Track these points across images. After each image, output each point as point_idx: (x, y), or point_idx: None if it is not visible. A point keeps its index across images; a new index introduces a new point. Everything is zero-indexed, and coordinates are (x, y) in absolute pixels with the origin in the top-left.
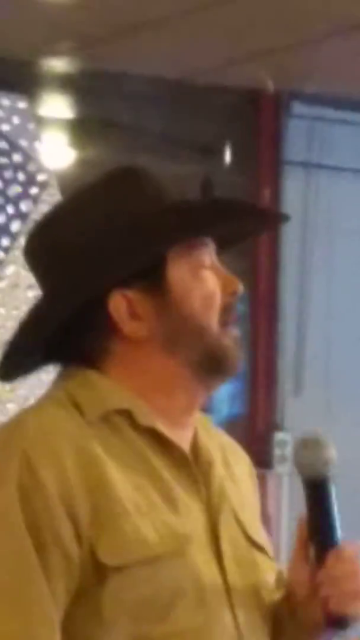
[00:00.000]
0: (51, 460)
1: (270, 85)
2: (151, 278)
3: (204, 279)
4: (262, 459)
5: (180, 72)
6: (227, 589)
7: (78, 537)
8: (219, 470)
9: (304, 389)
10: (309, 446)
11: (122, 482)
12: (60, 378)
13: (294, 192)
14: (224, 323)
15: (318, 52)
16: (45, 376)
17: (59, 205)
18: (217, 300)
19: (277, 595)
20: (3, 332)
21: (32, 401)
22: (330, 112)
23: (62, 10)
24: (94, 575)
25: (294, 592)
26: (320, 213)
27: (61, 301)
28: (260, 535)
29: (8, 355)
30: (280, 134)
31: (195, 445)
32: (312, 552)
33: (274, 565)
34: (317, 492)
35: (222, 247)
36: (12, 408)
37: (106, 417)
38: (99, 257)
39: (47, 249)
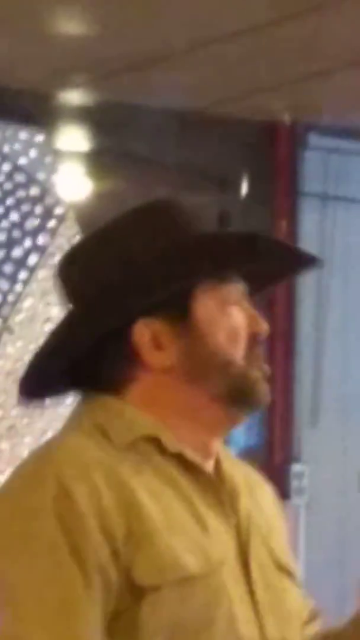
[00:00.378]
0: (84, 484)
1: (286, 117)
2: (177, 309)
3: (230, 314)
4: (278, 490)
5: (196, 104)
6: (257, 614)
7: (116, 558)
8: (245, 497)
9: (321, 420)
10: None
11: (152, 504)
12: (82, 406)
13: (311, 224)
14: (250, 357)
15: (333, 84)
16: (63, 410)
17: (93, 234)
18: (243, 336)
19: (310, 630)
20: (21, 365)
21: (49, 434)
22: (346, 144)
23: (78, 42)
24: (129, 595)
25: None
26: (336, 244)
27: (87, 327)
28: (289, 559)
29: (29, 376)
30: (296, 166)
31: (219, 474)
32: None
33: (301, 592)
34: None
35: (254, 287)
36: (29, 441)
37: (134, 444)
38: (127, 286)
39: (78, 275)
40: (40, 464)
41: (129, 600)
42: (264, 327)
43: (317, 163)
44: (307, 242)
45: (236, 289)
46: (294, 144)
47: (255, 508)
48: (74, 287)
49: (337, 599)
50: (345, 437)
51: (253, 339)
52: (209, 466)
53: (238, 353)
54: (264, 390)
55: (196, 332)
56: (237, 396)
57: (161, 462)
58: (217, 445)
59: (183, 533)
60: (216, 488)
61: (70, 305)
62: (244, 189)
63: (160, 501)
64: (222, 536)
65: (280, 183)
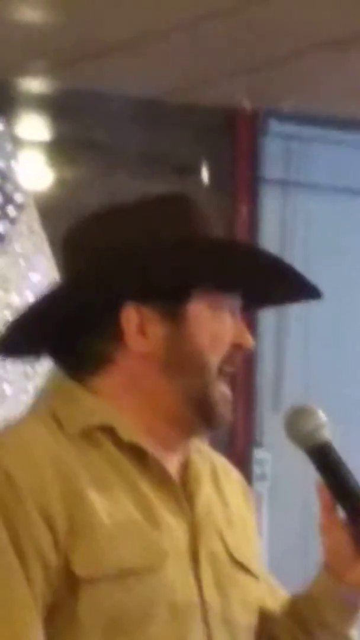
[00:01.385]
0: (29, 474)
1: (246, 104)
2: (171, 302)
3: (220, 321)
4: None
5: (156, 91)
6: (203, 607)
7: (56, 547)
8: (206, 490)
9: (283, 405)
10: (301, 417)
11: (100, 496)
12: (46, 391)
13: (272, 210)
14: (221, 372)
15: (294, 70)
16: (25, 397)
17: (111, 207)
18: (225, 346)
19: (275, 613)
20: None
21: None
22: (307, 130)
23: (38, 29)
24: (68, 586)
25: (331, 565)
26: (297, 230)
27: (79, 296)
28: (247, 554)
29: (10, 330)
30: (257, 152)
31: (185, 467)
32: (341, 513)
33: (258, 585)
34: (326, 457)
35: (248, 303)
36: None
37: (87, 433)
38: (129, 267)
39: (84, 243)
40: None
41: (68, 591)
42: (249, 342)
43: (278, 149)
44: (268, 227)
45: (232, 300)
46: (255, 131)
47: (218, 501)
48: (74, 255)
49: (301, 584)
50: None
51: (234, 351)
52: (174, 460)
53: (215, 360)
54: (224, 412)
55: (183, 328)
56: (199, 406)
57: (115, 453)
58: (183, 443)
59: (127, 526)
60: (171, 481)
61: (67, 273)
62: (205, 175)
63: (108, 493)
64: (173, 529)
65: (241, 169)
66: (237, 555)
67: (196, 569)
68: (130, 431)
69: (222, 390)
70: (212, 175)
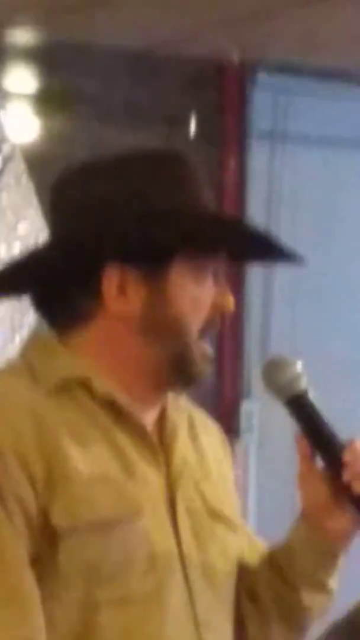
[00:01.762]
0: (6, 427)
1: (234, 56)
2: (153, 265)
3: (202, 285)
4: (229, 428)
5: (144, 43)
6: (182, 557)
7: (36, 498)
8: (183, 442)
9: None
10: (277, 368)
11: (76, 448)
12: (25, 345)
13: (260, 162)
14: (201, 333)
15: (282, 22)
16: (12, 348)
17: (102, 160)
18: (206, 309)
19: (251, 561)
20: None
21: None
22: (295, 82)
23: None
24: (48, 538)
25: (309, 514)
26: (285, 182)
27: (63, 253)
28: (225, 506)
29: None
30: (244, 104)
31: (161, 420)
32: (319, 462)
33: (237, 536)
34: (303, 407)
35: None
36: None
37: (64, 387)
38: (113, 227)
39: (71, 197)
40: None
41: (47, 543)
42: (230, 304)
43: (266, 101)
44: (257, 180)
45: (216, 262)
46: (243, 83)
47: (195, 453)
48: (61, 208)
49: None
50: None
51: (214, 314)
52: (150, 414)
53: (195, 324)
54: (202, 370)
55: (164, 291)
56: (177, 366)
57: (92, 407)
58: (159, 398)
59: (104, 478)
60: (147, 434)
61: (53, 225)
62: (193, 127)
63: (85, 445)
64: (149, 481)
65: (229, 122)
66: (214, 505)
67: (174, 519)
68: (105, 385)
69: (201, 349)
70: (200, 127)
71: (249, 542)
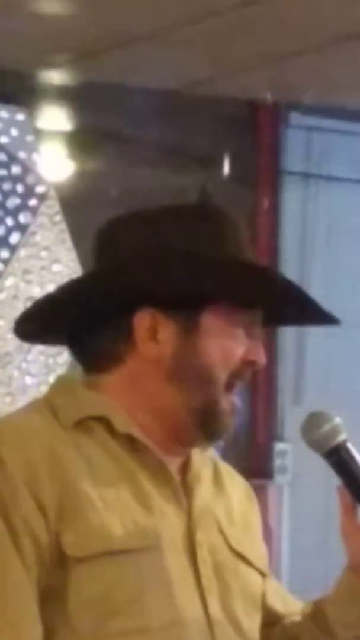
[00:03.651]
0: (20, 456)
1: (268, 96)
2: (186, 313)
3: (234, 336)
4: (262, 469)
5: (178, 83)
6: (201, 591)
7: (47, 528)
8: (206, 488)
9: (304, 399)
10: (315, 422)
11: (92, 480)
12: (50, 386)
13: (293, 202)
14: (229, 386)
15: (315, 62)
16: (46, 388)
17: (150, 209)
18: (236, 361)
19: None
20: (2, 344)
21: None
22: (328, 122)
23: (60, 22)
24: (60, 568)
25: (355, 568)
26: (319, 223)
27: (99, 292)
28: (248, 550)
29: (28, 317)
30: (278, 144)
31: (185, 467)
32: None
33: (263, 582)
34: (341, 460)
35: (270, 320)
36: None
37: (82, 424)
38: (150, 271)
39: (114, 240)
40: None
41: (59, 572)
42: (261, 359)
43: (300, 141)
44: (290, 220)
45: (251, 315)
46: (276, 123)
47: (219, 500)
48: (103, 250)
49: (322, 577)
50: None
51: (244, 367)
52: (171, 460)
53: (223, 376)
54: (228, 424)
55: (195, 339)
56: (203, 418)
57: (110, 442)
58: (181, 452)
59: (120, 509)
60: (166, 471)
61: (94, 266)
62: (226, 167)
63: (101, 478)
64: (167, 516)
65: (263, 161)
66: (237, 547)
67: (193, 556)
68: (126, 422)
69: (228, 402)
70: (233, 168)
71: (279, 594)
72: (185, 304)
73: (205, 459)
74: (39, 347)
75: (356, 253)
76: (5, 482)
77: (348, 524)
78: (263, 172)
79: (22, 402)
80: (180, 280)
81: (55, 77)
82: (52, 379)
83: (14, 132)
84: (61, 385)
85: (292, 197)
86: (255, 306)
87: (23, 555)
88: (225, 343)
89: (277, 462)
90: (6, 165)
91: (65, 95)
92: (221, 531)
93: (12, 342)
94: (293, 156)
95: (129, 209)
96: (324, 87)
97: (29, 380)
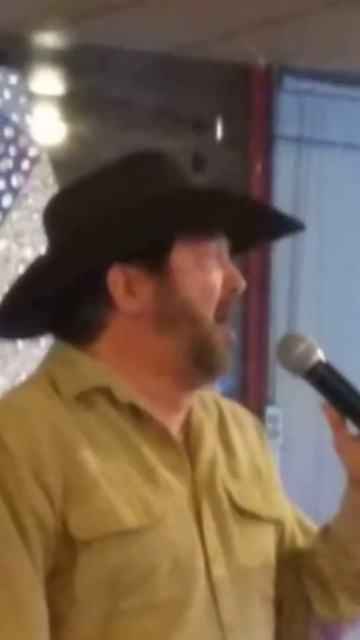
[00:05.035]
0: (22, 437)
1: (261, 60)
2: (154, 259)
3: (206, 269)
4: None
5: (171, 47)
6: (207, 562)
7: (53, 510)
8: (210, 444)
9: None
10: (292, 343)
11: (96, 459)
12: (45, 357)
13: (286, 166)
14: (219, 318)
15: (309, 26)
16: (37, 351)
17: (84, 177)
18: (217, 293)
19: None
20: None
21: (23, 376)
22: (321, 87)
23: None
24: (66, 550)
25: (356, 479)
26: (311, 187)
27: (64, 266)
28: (256, 502)
29: (2, 310)
30: (271, 109)
31: (187, 423)
32: (351, 429)
33: (274, 530)
34: (322, 377)
35: (237, 247)
36: (2, 383)
37: (83, 396)
38: (107, 231)
39: (62, 215)
40: None
41: (67, 554)
42: (241, 283)
43: (293, 106)
44: (282, 184)
45: (217, 244)
46: (269, 87)
47: (223, 453)
48: (54, 229)
49: None
50: None
51: (227, 295)
52: (175, 419)
53: (209, 310)
54: (225, 356)
55: (170, 282)
56: (198, 356)
57: (112, 414)
58: (184, 399)
59: (125, 485)
60: (171, 438)
61: (50, 246)
62: (219, 132)
63: (105, 455)
64: (173, 487)
65: (255, 126)
66: (242, 504)
67: (199, 525)
68: (127, 391)
69: (221, 335)
70: (226, 132)
71: (301, 528)
72: (151, 251)
73: (209, 407)
74: None
75: (348, 216)
76: (10, 468)
77: (340, 438)
78: (256, 136)
79: (13, 364)
80: (139, 230)
81: (48, 40)
82: (43, 342)
83: (7, 94)
84: (59, 354)
85: (284, 161)
86: (219, 231)
87: (28, 543)
88: (201, 278)
89: (269, 426)
90: None
91: (58, 58)
92: (226, 490)
93: None
94: (286, 120)
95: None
96: (317, 51)
97: (20, 343)
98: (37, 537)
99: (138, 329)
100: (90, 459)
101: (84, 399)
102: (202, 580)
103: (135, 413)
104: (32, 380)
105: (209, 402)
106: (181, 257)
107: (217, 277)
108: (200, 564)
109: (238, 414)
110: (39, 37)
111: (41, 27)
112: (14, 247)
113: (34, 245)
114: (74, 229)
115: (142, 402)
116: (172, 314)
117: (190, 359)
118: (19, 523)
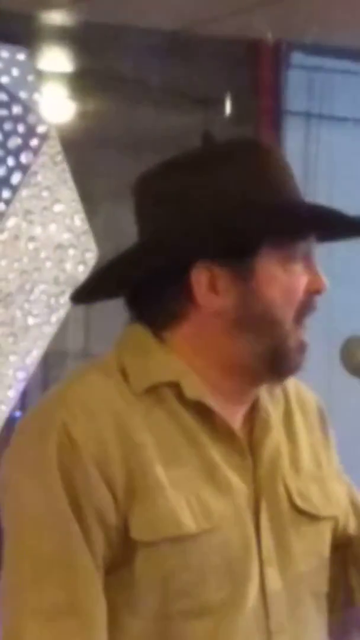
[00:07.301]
0: (91, 434)
1: (269, 36)
2: (240, 259)
3: (291, 273)
4: None
5: (179, 23)
6: (261, 564)
7: (116, 508)
8: (274, 437)
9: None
10: (355, 346)
11: (160, 455)
12: (120, 339)
13: (295, 142)
14: (297, 320)
15: (318, 2)
16: (49, 329)
17: (183, 156)
18: (299, 297)
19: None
20: (4, 285)
21: (34, 353)
22: (330, 62)
23: None
24: (124, 548)
25: None
26: (320, 163)
27: (153, 253)
28: (313, 499)
29: (85, 288)
30: (280, 85)
31: (252, 412)
32: None
33: (331, 527)
34: None
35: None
36: (14, 360)
37: (153, 389)
38: (199, 226)
39: (156, 196)
40: (53, 409)
41: (126, 552)
42: (323, 285)
43: (301, 81)
44: (291, 161)
45: (304, 245)
46: (278, 63)
47: (289, 443)
48: (147, 214)
49: None
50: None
51: (309, 297)
52: (239, 412)
53: (289, 313)
54: (297, 361)
55: (254, 284)
56: (271, 360)
57: (179, 409)
58: (253, 393)
59: (186, 487)
60: (235, 437)
61: (144, 224)
62: (228, 108)
63: (170, 454)
64: (234, 487)
65: (264, 101)
66: (301, 504)
67: (257, 523)
68: (196, 388)
69: (296, 340)
70: (235, 108)
71: (354, 510)
72: (238, 252)
73: (276, 398)
74: (41, 287)
75: (357, 191)
76: (78, 463)
77: None
78: (265, 112)
79: (24, 342)
80: (230, 230)
81: (56, 17)
82: (54, 319)
83: (15, 71)
84: (134, 342)
85: (293, 137)
86: (305, 236)
87: (90, 540)
88: (285, 282)
89: None
90: (7, 105)
91: (66, 35)
92: (286, 487)
93: (14, 282)
94: (295, 96)
95: (131, 150)
96: (326, 27)
97: (31, 320)
98: (99, 533)
99: (214, 326)
100: (155, 458)
101: (154, 393)
102: (254, 583)
103: (202, 410)
104: (103, 364)
105: (276, 392)
106: (267, 260)
107: (301, 282)
108: (254, 565)
109: (302, 397)
110: (48, 14)
111: (49, 5)
112: (24, 225)
113: (43, 223)
114: (165, 217)
115: (210, 400)
116: (252, 317)
117: (262, 361)
118: (82, 519)
